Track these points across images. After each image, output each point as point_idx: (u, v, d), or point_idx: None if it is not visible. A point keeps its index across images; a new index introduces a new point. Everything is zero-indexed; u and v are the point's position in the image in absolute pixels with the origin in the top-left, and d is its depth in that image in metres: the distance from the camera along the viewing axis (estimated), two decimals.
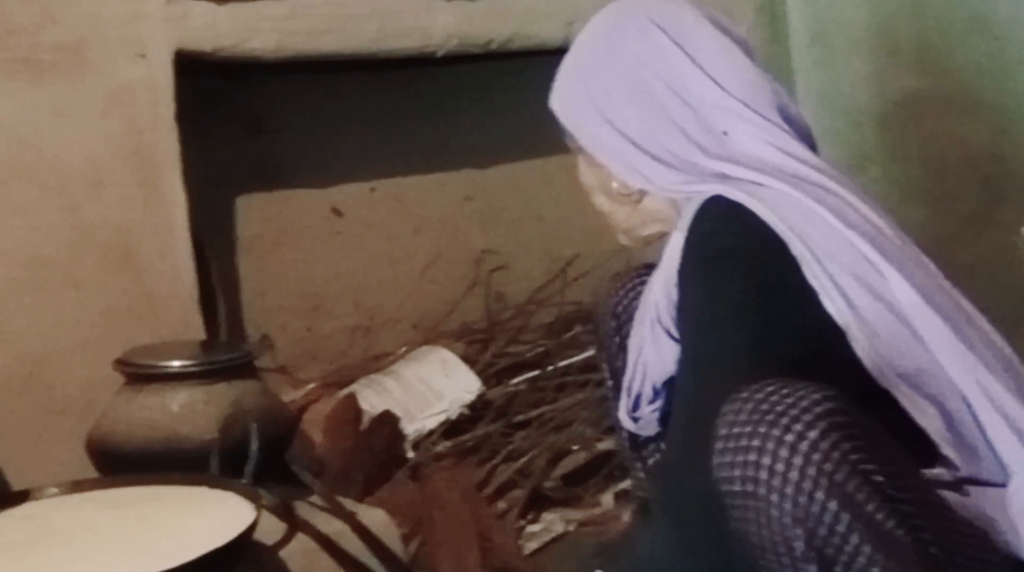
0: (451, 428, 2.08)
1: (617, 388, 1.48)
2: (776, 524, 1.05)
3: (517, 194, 2.59)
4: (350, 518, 1.58)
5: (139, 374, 1.62)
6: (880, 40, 2.38)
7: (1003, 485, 1.19)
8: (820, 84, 2.48)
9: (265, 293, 2.29)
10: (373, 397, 2.07)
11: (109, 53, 1.86)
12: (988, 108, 2.26)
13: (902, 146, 2.43)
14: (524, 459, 1.99)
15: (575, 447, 2.06)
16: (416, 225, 2.48)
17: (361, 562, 1.56)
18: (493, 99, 2.47)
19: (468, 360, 2.19)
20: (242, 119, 2.25)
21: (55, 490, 1.34)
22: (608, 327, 1.53)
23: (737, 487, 1.06)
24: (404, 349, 2.29)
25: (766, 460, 1.04)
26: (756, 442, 1.05)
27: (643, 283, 1.43)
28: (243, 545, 1.17)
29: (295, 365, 2.26)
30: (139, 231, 1.89)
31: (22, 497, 1.33)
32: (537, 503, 1.97)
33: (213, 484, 1.33)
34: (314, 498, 1.61)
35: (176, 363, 1.62)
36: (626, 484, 1.94)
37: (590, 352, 2.23)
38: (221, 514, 1.24)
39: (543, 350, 2.32)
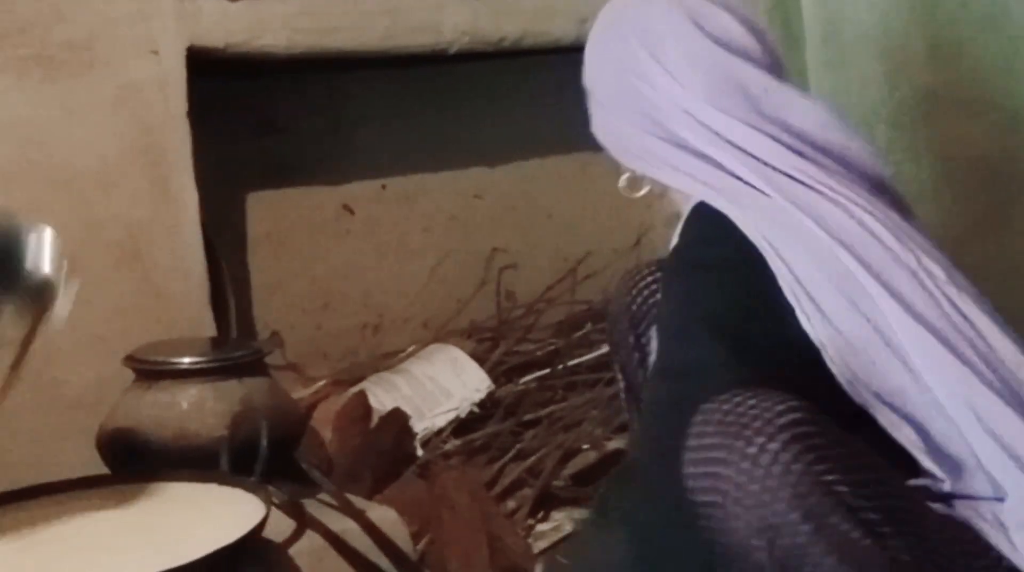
0: (460, 426, 2.08)
1: (629, 387, 1.47)
2: (739, 535, 1.06)
3: (527, 193, 2.59)
4: (359, 516, 1.58)
5: (149, 371, 1.62)
6: (892, 40, 2.37)
7: (999, 499, 1.17)
8: (832, 84, 2.47)
9: (275, 291, 2.29)
10: (383, 395, 2.07)
11: (120, 50, 1.86)
12: (1000, 108, 2.25)
13: (914, 146, 2.42)
14: (533, 458, 1.99)
15: (585, 446, 2.06)
16: (426, 223, 2.48)
17: (370, 560, 1.56)
18: (504, 97, 2.47)
19: (478, 358, 2.19)
20: (253, 117, 2.25)
21: (64, 487, 1.34)
22: (622, 325, 1.52)
23: (704, 497, 1.08)
24: (414, 347, 2.29)
25: (730, 472, 1.06)
26: (721, 453, 1.06)
27: (656, 281, 1.43)
28: (252, 542, 1.17)
29: (305, 363, 2.26)
30: (149, 228, 1.89)
31: (32, 493, 1.33)
32: (546, 502, 1.96)
33: (223, 481, 1.33)
34: (323, 496, 1.61)
35: (186, 360, 1.61)
36: None
37: (600, 351, 2.23)
38: (231, 511, 1.24)
39: (553, 349, 2.33)
